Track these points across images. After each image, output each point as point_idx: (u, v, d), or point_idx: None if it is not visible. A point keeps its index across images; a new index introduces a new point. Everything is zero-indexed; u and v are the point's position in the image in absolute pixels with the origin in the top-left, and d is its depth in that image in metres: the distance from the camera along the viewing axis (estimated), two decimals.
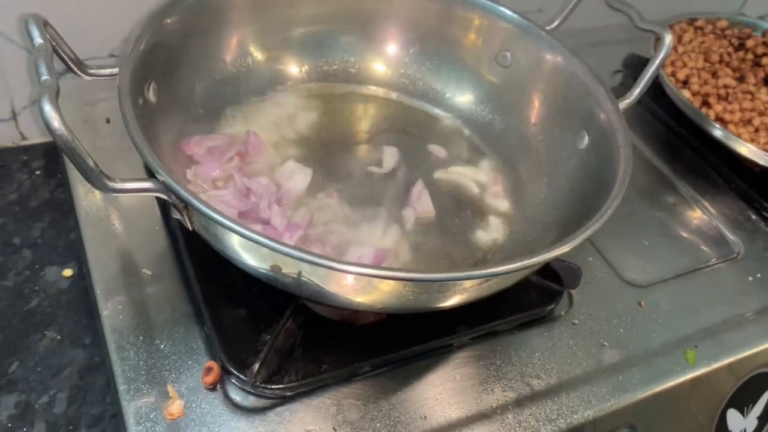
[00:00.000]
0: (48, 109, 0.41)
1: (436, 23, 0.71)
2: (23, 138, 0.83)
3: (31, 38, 0.45)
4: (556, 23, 0.69)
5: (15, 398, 0.62)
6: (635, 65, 0.94)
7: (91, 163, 0.43)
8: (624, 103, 0.62)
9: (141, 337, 0.53)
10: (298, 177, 0.61)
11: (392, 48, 0.73)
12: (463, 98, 0.73)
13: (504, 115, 0.71)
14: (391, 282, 0.46)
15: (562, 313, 0.63)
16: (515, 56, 0.69)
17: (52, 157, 0.82)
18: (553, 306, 0.62)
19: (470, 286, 0.50)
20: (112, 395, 0.63)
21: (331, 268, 0.43)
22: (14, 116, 0.81)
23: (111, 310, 0.54)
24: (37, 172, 0.81)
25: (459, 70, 0.73)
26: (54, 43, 0.48)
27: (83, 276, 0.72)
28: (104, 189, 0.44)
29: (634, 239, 0.72)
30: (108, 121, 0.66)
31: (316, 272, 0.45)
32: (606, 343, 0.61)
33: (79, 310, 0.69)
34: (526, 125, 0.69)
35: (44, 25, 0.47)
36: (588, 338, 0.61)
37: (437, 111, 0.74)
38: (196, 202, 0.43)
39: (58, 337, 0.67)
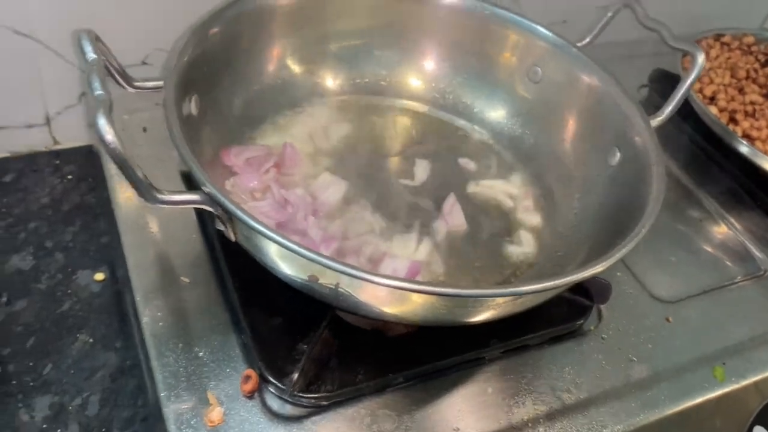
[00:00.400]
0: (102, 122, 0.42)
1: (470, 39, 0.72)
2: (56, 142, 0.85)
3: (83, 53, 0.47)
4: (587, 39, 0.70)
5: (49, 399, 0.63)
6: (661, 80, 0.95)
7: (141, 175, 0.44)
8: (655, 121, 0.63)
9: (180, 344, 0.54)
10: (333, 189, 0.62)
11: (424, 62, 0.74)
12: (494, 112, 0.74)
13: (535, 129, 0.72)
14: (427, 296, 0.47)
15: (592, 327, 0.63)
16: (547, 72, 0.70)
17: (83, 161, 0.84)
18: (582, 321, 0.62)
19: (503, 302, 0.51)
20: (143, 399, 0.64)
21: (378, 283, 0.44)
22: (48, 121, 0.82)
23: (151, 317, 0.55)
24: (69, 177, 0.83)
25: (490, 85, 0.74)
26: (103, 57, 0.50)
27: (115, 280, 0.73)
28: (152, 200, 0.45)
29: (660, 255, 0.72)
30: (145, 129, 0.67)
31: (354, 284, 0.46)
32: (635, 359, 0.62)
33: (111, 313, 0.70)
34: (557, 140, 0.70)
35: (96, 40, 0.48)
36: (617, 353, 0.62)
37: (468, 124, 0.75)
38: (246, 217, 0.44)
39: (90, 340, 0.68)
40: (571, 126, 0.69)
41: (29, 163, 0.82)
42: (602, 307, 0.64)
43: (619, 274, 0.69)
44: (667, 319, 0.66)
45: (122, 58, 0.76)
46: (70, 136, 0.84)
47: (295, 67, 0.69)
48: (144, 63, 0.80)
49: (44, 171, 0.82)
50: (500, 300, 0.50)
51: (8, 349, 0.65)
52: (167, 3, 0.75)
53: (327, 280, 0.47)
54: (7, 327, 0.67)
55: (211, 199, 0.47)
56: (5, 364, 0.65)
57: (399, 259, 0.57)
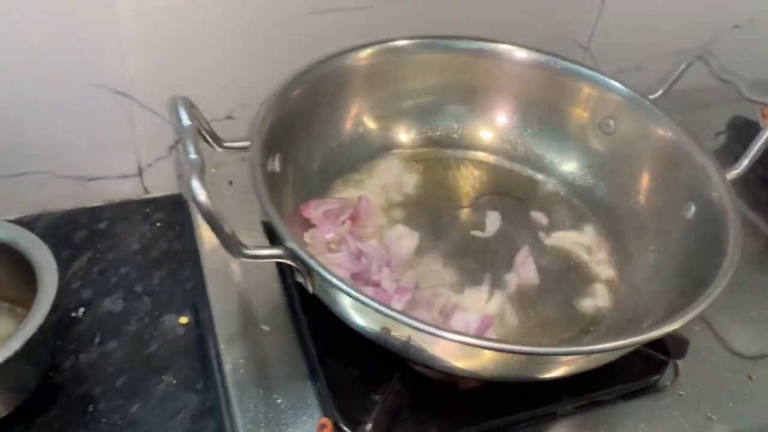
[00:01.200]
0: (196, 185, 0.45)
1: (541, 92, 0.73)
2: (146, 192, 0.90)
3: (179, 120, 0.51)
4: (660, 92, 0.70)
5: None
6: (739, 127, 0.93)
7: (229, 232, 0.47)
8: (731, 174, 0.62)
9: (260, 391, 0.56)
10: (405, 240, 0.64)
11: (495, 115, 0.75)
12: (566, 163, 0.75)
13: (607, 181, 0.72)
14: (498, 352, 0.47)
15: (668, 383, 0.62)
16: (620, 125, 0.70)
17: (171, 209, 0.88)
18: (658, 376, 0.61)
19: (576, 359, 0.51)
20: None
21: (448, 339, 0.45)
22: (140, 172, 0.87)
23: (233, 364, 0.57)
24: (158, 224, 0.87)
25: (562, 136, 0.74)
26: (196, 121, 0.54)
27: (197, 324, 0.76)
28: (239, 255, 0.48)
29: (741, 308, 0.70)
30: (231, 183, 0.71)
31: (425, 338, 0.48)
32: (714, 417, 0.60)
33: (193, 356, 0.73)
34: (630, 192, 0.70)
35: (190, 106, 0.52)
36: (695, 411, 0.60)
37: (539, 175, 0.75)
38: (326, 273, 0.46)
39: (174, 381, 0.71)
40: (644, 179, 0.69)
41: (122, 211, 0.87)
42: (679, 362, 0.63)
43: (696, 328, 0.67)
44: (750, 377, 0.64)
45: (209, 113, 0.80)
46: (160, 185, 0.89)
47: (371, 124, 0.72)
48: (229, 117, 0.84)
49: (135, 219, 0.87)
50: (573, 357, 0.50)
51: (100, 388, 0.69)
52: (252, 62, 0.80)
53: (399, 332, 0.49)
54: (100, 366, 0.71)
55: (292, 254, 0.49)
56: (97, 402, 0.68)
57: (470, 313, 0.57)
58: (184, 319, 0.77)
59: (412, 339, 0.48)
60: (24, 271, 0.66)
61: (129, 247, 0.85)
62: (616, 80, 0.70)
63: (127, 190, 0.89)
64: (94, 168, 0.85)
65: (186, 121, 0.50)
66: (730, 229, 0.57)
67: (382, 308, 0.46)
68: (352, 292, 0.46)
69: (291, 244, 0.49)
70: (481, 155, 0.76)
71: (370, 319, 0.50)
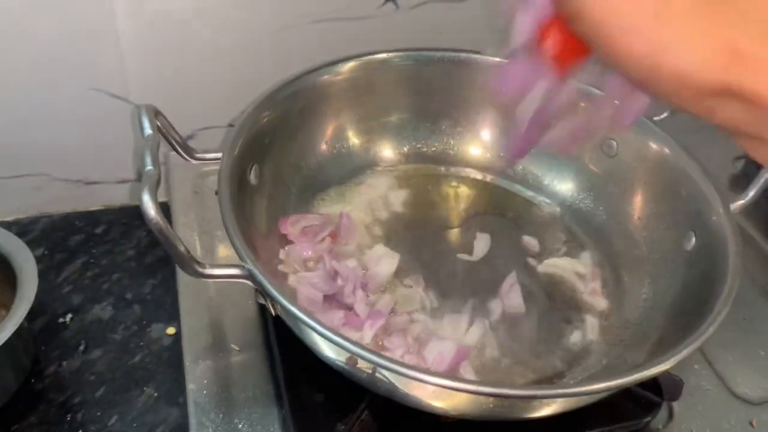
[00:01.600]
0: (146, 198, 0.44)
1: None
2: None
3: (141, 128, 0.49)
4: (666, 113, 0.66)
5: None
6: None
7: (183, 250, 0.45)
8: (737, 205, 0.58)
9: (221, 415, 0.54)
10: (385, 261, 0.61)
11: (491, 132, 0.72)
12: (564, 185, 0.71)
13: (606, 205, 0.68)
14: None
15: (660, 426, 0.58)
16: (621, 146, 0.67)
17: (169, 216, 0.88)
18: (649, 419, 0.57)
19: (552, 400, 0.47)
20: None
21: (404, 375, 0.42)
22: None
23: (197, 384, 0.55)
24: None
25: (560, 156, 0.71)
26: (164, 130, 0.52)
27: None
28: (194, 274, 0.46)
29: (748, 348, 0.65)
30: (216, 192, 0.70)
31: (388, 373, 0.45)
32: None
33: (177, 368, 0.72)
34: (630, 219, 0.66)
35: (155, 114, 0.50)
36: None
37: (535, 197, 0.72)
38: (279, 297, 0.44)
39: (155, 394, 0.70)
40: (644, 204, 0.65)
41: (119, 216, 0.87)
42: (674, 404, 0.59)
43: (696, 366, 0.63)
44: (751, 424, 0.59)
45: (209, 121, 0.80)
46: (159, 191, 0.88)
47: (355, 139, 0.69)
48: (230, 125, 0.83)
49: (133, 224, 0.86)
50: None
51: (79, 397, 0.68)
52: (254, 69, 0.79)
53: (364, 365, 0.46)
54: (81, 375, 0.70)
55: (251, 275, 0.47)
56: (75, 412, 0.67)
57: (446, 343, 0.54)
58: (171, 330, 0.76)
59: (377, 373, 0.46)
60: (7, 274, 0.66)
61: (124, 253, 0.84)
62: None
63: (127, 195, 0.88)
64: (92, 172, 0.85)
65: (147, 130, 0.48)
66: (729, 263, 0.52)
67: (336, 338, 0.43)
68: (307, 320, 0.44)
69: (249, 265, 0.46)
70: (477, 173, 0.73)
71: (333, 348, 0.47)
